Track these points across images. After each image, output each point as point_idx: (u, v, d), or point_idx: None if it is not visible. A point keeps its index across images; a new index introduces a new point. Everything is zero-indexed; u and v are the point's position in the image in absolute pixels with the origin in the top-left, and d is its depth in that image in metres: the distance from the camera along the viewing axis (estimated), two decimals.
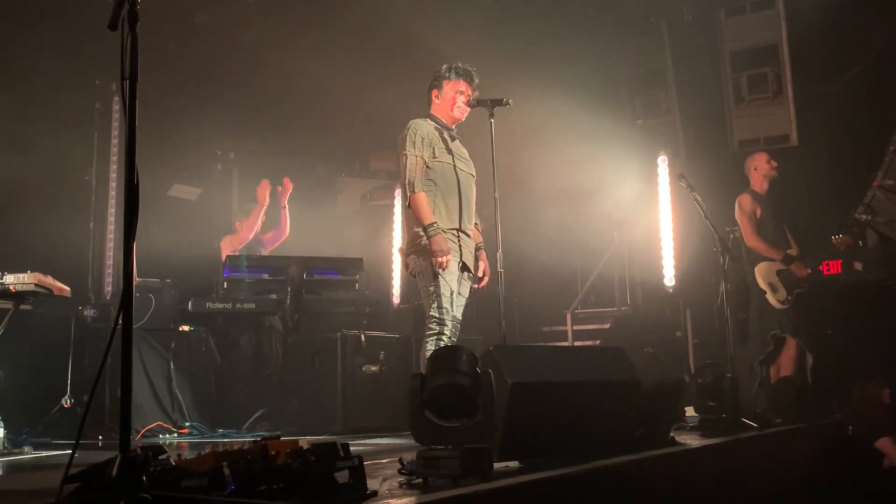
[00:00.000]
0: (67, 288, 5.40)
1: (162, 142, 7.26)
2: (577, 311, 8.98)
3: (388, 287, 8.68)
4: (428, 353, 4.37)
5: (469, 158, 5.04)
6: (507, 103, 4.83)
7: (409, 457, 3.06)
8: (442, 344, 4.54)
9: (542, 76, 7.81)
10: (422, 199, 4.68)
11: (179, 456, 2.39)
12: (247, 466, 2.33)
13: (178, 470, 2.26)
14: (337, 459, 2.52)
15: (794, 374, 6.44)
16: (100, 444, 5.68)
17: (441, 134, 4.90)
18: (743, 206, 6.68)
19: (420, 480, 2.91)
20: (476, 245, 5.02)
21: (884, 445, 5.76)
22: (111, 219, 7.93)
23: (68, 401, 6.14)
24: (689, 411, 5.52)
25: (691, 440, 4.70)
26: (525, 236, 8.33)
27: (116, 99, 7.90)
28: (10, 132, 6.81)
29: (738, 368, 6.07)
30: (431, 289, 4.64)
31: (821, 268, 7.21)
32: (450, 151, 4.88)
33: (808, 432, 5.87)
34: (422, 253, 4.67)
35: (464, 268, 4.78)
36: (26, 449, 5.05)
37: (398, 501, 2.57)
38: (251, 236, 7.80)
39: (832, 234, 6.63)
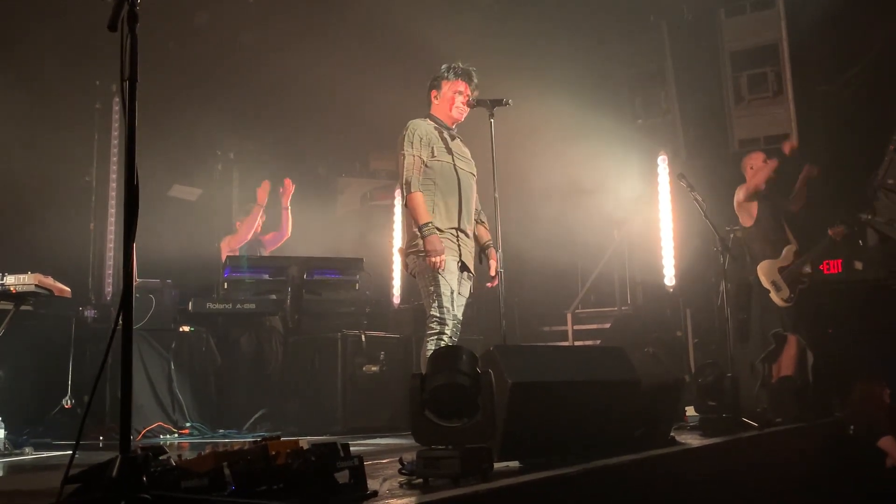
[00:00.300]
0: (68, 289, 5.41)
1: (162, 142, 7.25)
2: (577, 311, 8.99)
3: (389, 287, 8.68)
4: (429, 353, 4.37)
5: (470, 158, 5.05)
6: (507, 103, 4.83)
7: (410, 457, 3.07)
8: (443, 344, 4.54)
9: (542, 76, 7.81)
10: (418, 198, 4.69)
11: (180, 456, 2.39)
12: (247, 467, 2.33)
13: (178, 470, 2.26)
14: (337, 459, 2.53)
15: (794, 373, 6.44)
16: (100, 445, 5.68)
17: (441, 134, 4.90)
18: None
19: (420, 480, 2.91)
20: (485, 243, 5.01)
21: (886, 444, 5.76)
22: (111, 219, 7.93)
23: (69, 401, 6.14)
24: (690, 411, 5.52)
25: (691, 440, 4.70)
26: (525, 236, 8.33)
27: (117, 99, 7.90)
28: (11, 133, 6.81)
29: (738, 368, 6.08)
30: (432, 288, 4.64)
31: (821, 267, 7.21)
32: (450, 151, 4.88)
33: (809, 432, 5.87)
34: (421, 253, 4.67)
35: (463, 267, 4.79)
36: (27, 449, 5.05)
37: (398, 501, 2.57)
38: (250, 236, 7.79)
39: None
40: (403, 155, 4.77)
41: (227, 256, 7.33)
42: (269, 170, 8.37)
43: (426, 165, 4.78)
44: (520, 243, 7.88)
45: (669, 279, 8.05)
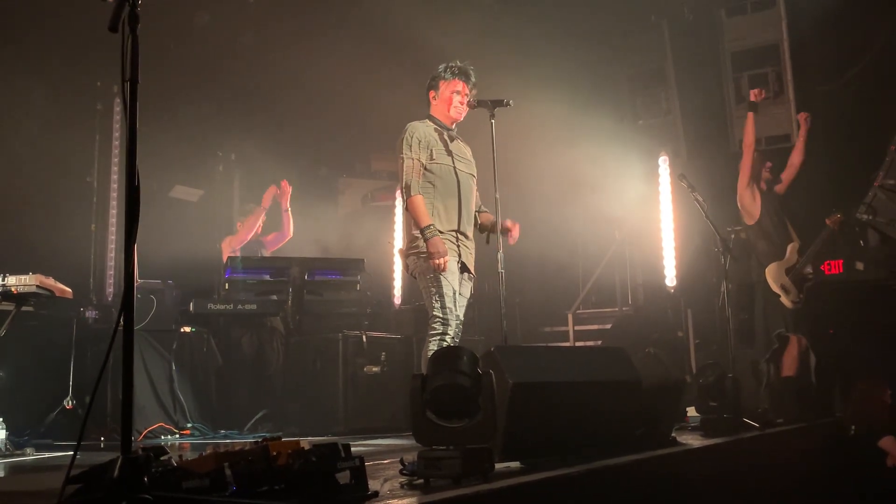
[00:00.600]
0: (69, 289, 5.42)
1: (163, 143, 7.26)
2: (578, 312, 8.98)
3: (390, 288, 8.68)
4: (430, 353, 4.37)
5: (471, 158, 5.04)
6: (508, 104, 4.82)
7: (411, 457, 3.07)
8: (445, 344, 4.55)
9: (542, 76, 7.80)
10: (418, 202, 4.70)
11: (181, 457, 2.39)
12: (248, 467, 2.33)
13: (179, 471, 2.26)
14: (338, 460, 2.53)
15: (796, 373, 6.44)
16: (101, 446, 5.68)
17: (441, 135, 4.90)
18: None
19: (421, 481, 2.92)
20: (492, 222, 4.95)
21: (886, 444, 5.76)
22: (112, 220, 7.93)
23: (70, 402, 6.14)
24: (691, 411, 5.52)
25: (693, 440, 4.70)
26: (526, 236, 8.29)
27: (118, 100, 7.90)
28: (12, 133, 6.82)
29: (739, 368, 6.08)
30: (434, 289, 4.64)
31: (822, 267, 7.21)
32: (449, 153, 4.88)
33: (810, 432, 5.87)
34: (421, 254, 4.67)
35: (463, 268, 4.79)
36: (28, 450, 5.06)
37: (399, 502, 2.58)
38: (249, 237, 7.80)
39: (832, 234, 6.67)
40: (402, 158, 4.78)
41: (228, 257, 7.33)
42: (270, 171, 8.36)
43: (426, 168, 4.78)
44: (520, 244, 7.85)
45: (670, 279, 8.05)
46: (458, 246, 4.78)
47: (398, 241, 8.76)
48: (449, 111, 4.93)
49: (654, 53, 8.52)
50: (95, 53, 6.93)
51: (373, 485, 2.72)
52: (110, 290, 7.85)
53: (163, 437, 6.29)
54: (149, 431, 6.25)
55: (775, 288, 6.50)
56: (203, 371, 6.94)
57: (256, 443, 2.42)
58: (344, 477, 2.56)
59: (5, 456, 4.86)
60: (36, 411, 6.05)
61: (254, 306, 7.02)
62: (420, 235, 4.67)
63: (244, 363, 7.21)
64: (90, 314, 6.79)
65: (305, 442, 2.51)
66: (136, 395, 2.39)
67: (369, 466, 2.79)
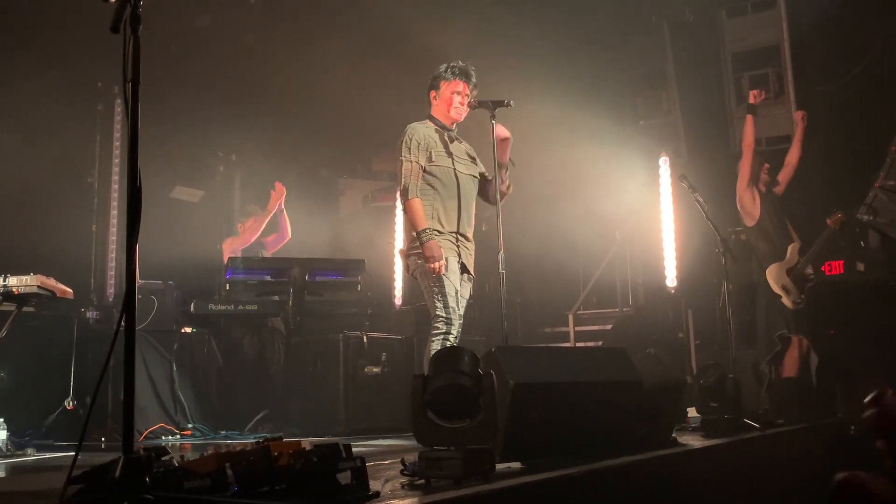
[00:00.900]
0: (70, 290, 5.42)
1: (164, 144, 7.27)
2: (579, 312, 8.99)
3: (390, 288, 8.68)
4: (433, 353, 4.37)
5: (473, 158, 5.03)
6: (509, 104, 4.81)
7: (412, 458, 3.07)
8: (448, 343, 4.56)
9: (543, 77, 7.81)
10: (416, 205, 4.71)
11: (182, 457, 2.40)
12: (249, 467, 2.34)
13: (180, 471, 2.26)
14: (339, 460, 2.53)
15: (798, 374, 6.44)
16: (102, 446, 5.69)
17: (441, 136, 4.90)
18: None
19: (422, 481, 2.92)
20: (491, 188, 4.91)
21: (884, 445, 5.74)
22: (113, 221, 7.93)
23: (71, 402, 6.14)
24: (691, 412, 5.52)
25: (693, 441, 4.70)
26: (527, 237, 8.34)
27: (118, 101, 7.90)
28: (13, 134, 6.82)
29: (740, 369, 6.08)
30: (436, 289, 4.65)
31: (823, 268, 7.21)
32: (449, 154, 4.88)
33: (811, 433, 5.87)
34: (422, 255, 4.68)
35: (463, 269, 4.79)
36: (29, 451, 5.06)
37: (400, 502, 2.58)
38: (252, 240, 7.80)
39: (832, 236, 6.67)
40: (401, 161, 4.79)
41: (229, 258, 7.34)
42: (271, 171, 8.37)
43: (426, 171, 4.79)
44: (521, 244, 7.88)
45: (671, 280, 8.05)
46: (459, 247, 4.79)
47: (398, 241, 8.77)
48: (449, 111, 4.92)
49: (655, 54, 8.51)
50: (96, 54, 6.93)
51: (374, 485, 2.72)
52: (111, 290, 7.85)
53: (163, 438, 6.29)
54: (149, 432, 6.26)
55: (776, 289, 6.50)
56: (204, 372, 6.95)
57: (258, 443, 2.42)
58: (345, 477, 2.56)
59: (6, 456, 4.87)
60: (37, 412, 6.05)
61: (254, 307, 7.03)
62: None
63: (245, 364, 7.21)
64: (91, 315, 6.79)
65: (306, 442, 2.51)
66: (136, 396, 2.39)
67: (370, 467, 2.79)
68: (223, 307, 6.97)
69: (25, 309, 5.32)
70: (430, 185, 4.79)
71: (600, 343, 8.41)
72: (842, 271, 7.37)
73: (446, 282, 4.64)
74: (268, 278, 7.15)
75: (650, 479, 3.73)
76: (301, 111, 8.99)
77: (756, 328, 6.78)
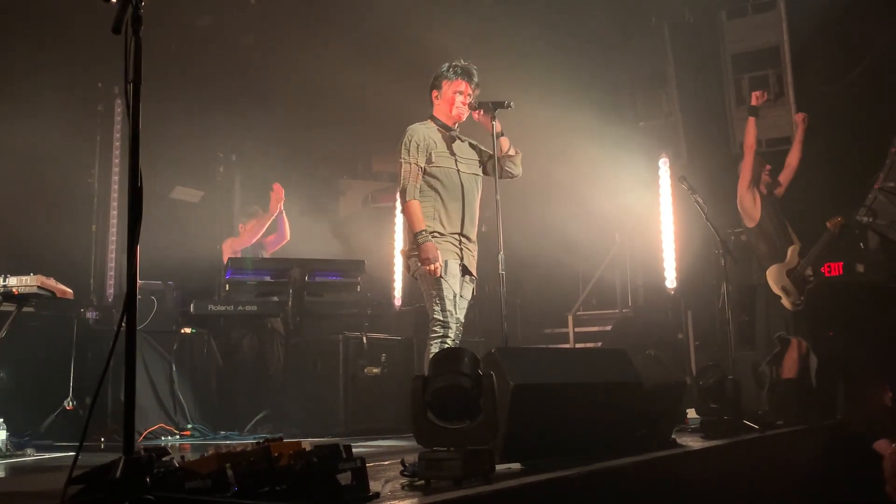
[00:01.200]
0: (70, 290, 5.42)
1: (164, 144, 7.26)
2: (578, 313, 8.99)
3: (390, 289, 8.68)
4: (432, 356, 4.37)
5: (475, 158, 5.02)
6: (509, 106, 4.80)
7: (412, 458, 3.07)
8: (446, 346, 4.55)
9: (543, 78, 7.80)
10: (414, 207, 4.71)
11: (182, 458, 2.40)
12: (250, 468, 2.34)
13: (181, 471, 2.26)
14: (339, 461, 2.53)
15: (797, 375, 6.44)
16: (102, 447, 5.69)
17: (443, 136, 4.89)
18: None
19: (422, 482, 2.92)
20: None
21: (881, 446, 5.75)
22: (113, 221, 7.93)
23: (70, 403, 6.14)
24: (691, 413, 5.52)
25: (693, 442, 4.70)
26: (526, 238, 8.33)
27: (119, 101, 7.91)
28: (13, 134, 6.82)
29: (739, 370, 6.08)
30: (434, 292, 4.64)
31: (822, 269, 7.21)
32: (452, 154, 4.87)
33: (810, 434, 5.87)
34: (420, 261, 4.67)
35: (465, 271, 4.78)
36: (29, 451, 5.06)
37: (400, 503, 2.58)
38: (253, 241, 7.80)
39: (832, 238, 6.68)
40: (401, 163, 4.79)
41: (229, 258, 7.33)
42: (271, 172, 8.37)
43: (426, 172, 4.78)
44: (521, 245, 7.88)
45: (670, 281, 8.04)
46: (461, 249, 4.78)
47: (398, 242, 8.77)
48: (451, 111, 4.90)
49: (655, 55, 8.51)
50: (96, 54, 6.94)
51: (374, 486, 2.72)
52: (111, 290, 7.85)
53: (163, 438, 6.29)
54: (149, 432, 6.26)
55: (776, 290, 6.50)
56: (203, 372, 6.95)
57: (258, 444, 2.42)
58: (345, 478, 2.56)
59: (6, 456, 4.86)
60: (36, 412, 6.05)
61: (254, 307, 7.03)
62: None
63: (244, 364, 7.21)
64: (91, 315, 6.80)
65: (307, 443, 2.51)
66: (136, 396, 2.39)
67: (370, 467, 2.79)
68: (223, 308, 6.97)
69: (25, 309, 5.32)
70: (431, 186, 4.78)
71: (600, 344, 8.41)
72: (841, 272, 7.37)
73: (445, 285, 4.63)
74: (267, 279, 7.14)
75: (650, 480, 3.73)
76: (301, 111, 8.99)
77: (755, 329, 6.78)
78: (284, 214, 7.95)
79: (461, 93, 4.89)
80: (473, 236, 4.89)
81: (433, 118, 4.96)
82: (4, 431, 4.98)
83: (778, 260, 6.58)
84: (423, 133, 4.84)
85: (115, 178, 7.95)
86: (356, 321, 7.11)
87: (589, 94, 8.22)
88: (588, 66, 8.41)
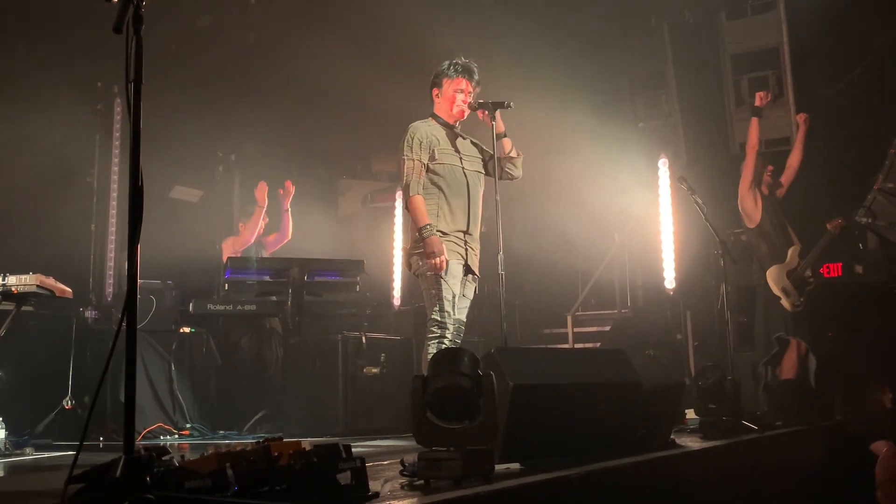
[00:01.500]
0: (69, 289, 5.42)
1: (163, 144, 7.26)
2: (577, 314, 8.99)
3: (389, 289, 8.68)
4: (430, 356, 4.36)
5: (478, 154, 5.01)
6: (509, 106, 4.80)
7: (411, 458, 3.07)
8: (443, 347, 4.54)
9: (543, 78, 7.81)
10: (418, 202, 4.69)
11: (182, 457, 2.40)
12: (250, 467, 2.34)
13: (181, 471, 2.26)
14: (339, 461, 2.53)
15: (796, 376, 6.44)
16: (101, 446, 5.69)
17: (446, 134, 4.88)
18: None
19: (422, 482, 2.92)
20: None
21: (878, 448, 5.75)
22: (112, 220, 7.92)
23: (69, 402, 6.14)
24: (690, 414, 5.52)
25: (692, 442, 4.70)
26: (526, 238, 8.34)
27: (118, 100, 7.90)
28: (12, 133, 6.82)
29: (738, 371, 6.08)
30: (434, 291, 4.63)
31: (821, 270, 7.21)
32: (456, 152, 4.86)
33: (809, 435, 5.87)
34: (425, 255, 4.66)
35: (468, 270, 4.77)
36: (27, 450, 5.06)
37: (399, 503, 2.58)
38: (253, 239, 7.79)
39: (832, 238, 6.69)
40: (403, 160, 4.77)
41: (229, 258, 7.33)
42: (271, 172, 8.37)
43: (430, 169, 4.76)
44: (521, 246, 7.89)
45: (670, 282, 8.05)
46: (466, 248, 4.76)
47: (398, 242, 8.77)
48: (452, 109, 4.89)
49: (655, 56, 8.51)
50: (96, 54, 6.93)
51: (373, 486, 2.72)
52: (110, 290, 7.84)
53: (162, 438, 6.29)
54: (148, 432, 6.26)
55: (776, 290, 6.50)
56: (202, 371, 6.95)
57: (258, 443, 2.42)
58: (345, 478, 2.56)
59: (5, 456, 4.87)
60: (35, 411, 6.06)
61: (253, 307, 7.03)
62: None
63: (243, 364, 7.22)
64: (90, 314, 6.80)
65: (306, 442, 2.51)
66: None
67: (369, 467, 2.79)
68: (222, 307, 6.97)
69: (24, 308, 5.32)
70: (434, 183, 4.76)
71: (598, 344, 8.41)
72: (840, 273, 7.37)
73: (444, 286, 4.61)
74: (267, 278, 7.14)
75: (649, 480, 3.74)
76: (301, 111, 8.99)
77: (754, 330, 6.79)
78: (289, 213, 7.95)
79: (462, 91, 4.88)
80: (477, 234, 4.87)
81: (434, 116, 4.95)
82: (3, 430, 4.98)
83: (778, 261, 6.58)
84: (425, 130, 4.82)
85: (115, 177, 7.94)
86: (355, 321, 7.11)
87: (588, 95, 8.21)
88: (588, 66, 8.41)
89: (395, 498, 2.67)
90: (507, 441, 3.32)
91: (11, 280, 5.08)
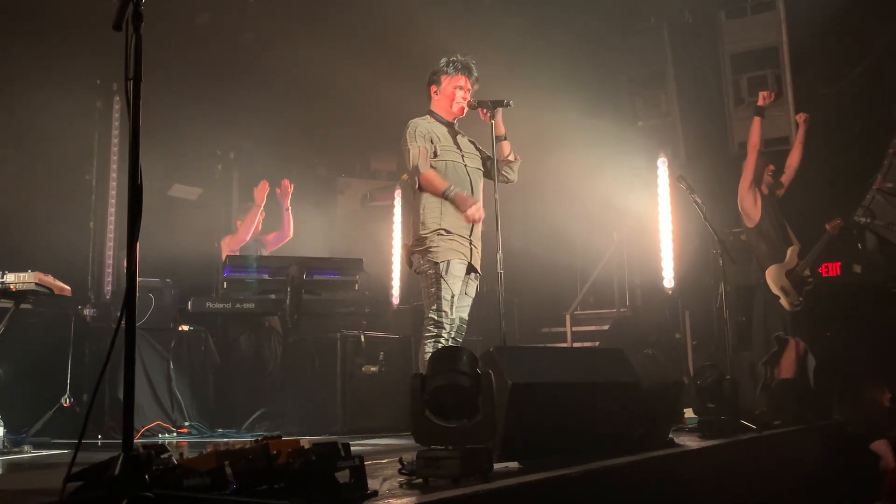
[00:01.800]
0: (68, 287, 5.42)
1: (162, 142, 7.26)
2: (576, 313, 8.99)
3: (388, 288, 8.67)
4: (426, 356, 4.36)
5: (476, 152, 4.99)
6: (508, 104, 4.79)
7: (410, 457, 3.07)
8: (441, 345, 4.53)
9: (542, 77, 7.81)
10: (430, 174, 4.66)
11: (181, 455, 2.39)
12: (248, 466, 2.34)
13: (180, 469, 2.26)
14: (338, 459, 2.53)
15: (795, 376, 6.44)
16: (99, 444, 5.68)
17: (446, 131, 4.86)
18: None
19: (420, 481, 2.92)
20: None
21: (879, 447, 5.76)
22: (111, 218, 7.92)
23: (68, 400, 6.14)
24: (689, 413, 5.52)
25: (690, 441, 4.70)
26: (525, 237, 8.34)
27: (117, 98, 7.90)
28: (11, 131, 6.82)
29: (737, 370, 6.08)
30: (433, 290, 4.62)
31: (820, 270, 7.22)
32: (458, 148, 4.85)
33: (808, 434, 5.87)
34: (426, 254, 4.65)
35: (470, 268, 4.76)
36: (26, 448, 5.06)
37: (398, 501, 2.58)
38: (249, 237, 7.78)
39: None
40: (408, 149, 4.74)
41: (227, 256, 7.32)
42: (270, 170, 8.36)
43: (431, 166, 4.74)
44: (519, 244, 7.89)
45: (668, 281, 8.05)
46: (470, 248, 4.75)
47: (397, 240, 8.76)
48: (451, 107, 4.87)
49: (654, 55, 8.51)
50: (95, 51, 6.93)
51: (372, 484, 2.72)
52: (108, 287, 7.84)
53: (160, 436, 6.29)
54: (146, 430, 6.25)
55: (775, 290, 6.51)
56: (201, 370, 6.94)
57: (256, 441, 2.42)
58: (343, 476, 2.56)
59: (3, 453, 4.87)
60: (33, 409, 6.05)
61: (252, 305, 7.02)
62: (427, 235, 4.65)
63: (242, 362, 7.21)
64: (88, 312, 6.79)
65: (305, 441, 2.51)
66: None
67: (368, 466, 2.79)
68: (221, 305, 6.96)
69: (23, 306, 5.32)
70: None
71: (597, 343, 8.41)
72: (838, 273, 7.38)
73: (444, 286, 4.59)
74: (266, 277, 7.13)
75: (647, 479, 3.74)
76: (300, 110, 8.98)
77: (753, 329, 6.79)
78: (290, 212, 7.94)
79: (461, 88, 4.86)
80: (479, 232, 4.86)
81: (431, 113, 4.93)
82: (2, 428, 4.99)
83: (777, 260, 6.59)
84: (425, 126, 4.81)
85: (114, 175, 7.94)
86: (354, 319, 7.10)
87: (588, 94, 8.21)
88: (587, 65, 8.41)
89: (393, 496, 2.67)
90: (506, 440, 3.33)
91: (10, 278, 5.08)
